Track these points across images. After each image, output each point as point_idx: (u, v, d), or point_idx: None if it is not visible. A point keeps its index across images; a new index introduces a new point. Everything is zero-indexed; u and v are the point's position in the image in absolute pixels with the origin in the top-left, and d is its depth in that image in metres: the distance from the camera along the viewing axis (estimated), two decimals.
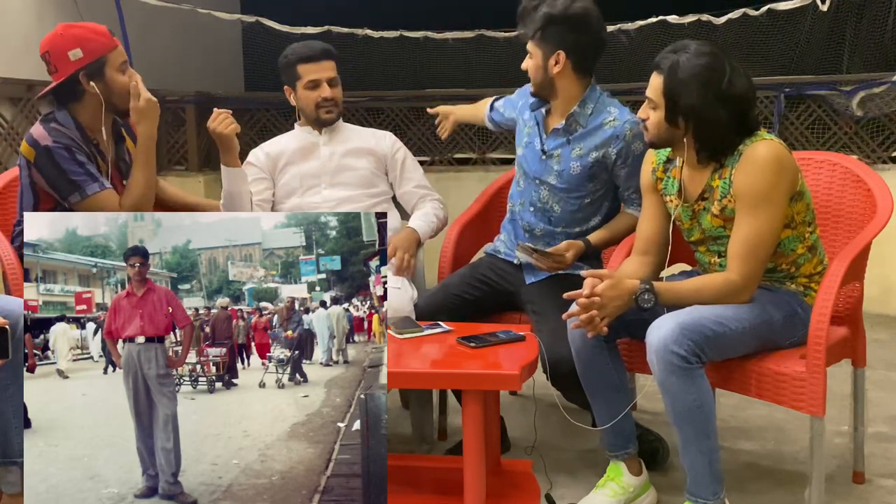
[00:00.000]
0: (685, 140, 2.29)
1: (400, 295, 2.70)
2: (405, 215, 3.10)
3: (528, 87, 2.82)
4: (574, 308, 2.25)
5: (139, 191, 2.63)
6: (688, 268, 2.64)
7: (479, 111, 3.17)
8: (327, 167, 2.99)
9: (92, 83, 2.58)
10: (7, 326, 2.12)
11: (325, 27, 6.15)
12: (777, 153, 2.22)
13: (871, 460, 2.74)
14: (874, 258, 2.51)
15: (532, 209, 2.80)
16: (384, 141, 3.10)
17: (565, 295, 2.26)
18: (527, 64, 2.70)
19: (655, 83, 2.28)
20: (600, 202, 2.76)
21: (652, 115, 2.31)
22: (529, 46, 2.67)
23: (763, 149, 2.23)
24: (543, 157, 2.75)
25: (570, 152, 2.71)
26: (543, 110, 2.77)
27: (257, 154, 3.09)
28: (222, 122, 2.80)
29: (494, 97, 3.13)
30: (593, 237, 2.71)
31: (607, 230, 2.73)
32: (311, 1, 7.48)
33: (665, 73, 2.25)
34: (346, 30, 6.33)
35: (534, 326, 2.57)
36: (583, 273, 2.27)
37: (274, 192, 3.03)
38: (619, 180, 2.73)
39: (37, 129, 2.60)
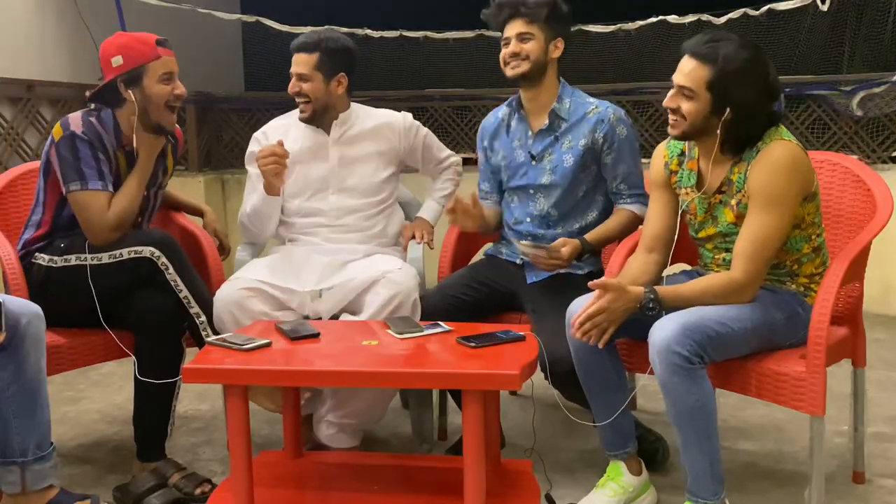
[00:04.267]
0: (719, 131, 2.27)
1: (404, 274, 2.69)
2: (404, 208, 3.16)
3: (490, 122, 2.92)
4: (579, 318, 2.25)
5: (126, 202, 2.62)
6: (688, 267, 2.63)
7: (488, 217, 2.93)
8: (335, 172, 2.92)
9: (129, 91, 2.61)
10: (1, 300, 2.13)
11: (325, 27, 6.14)
12: (794, 155, 2.24)
13: (871, 460, 2.74)
14: (874, 258, 2.51)
15: (529, 219, 2.82)
16: (401, 135, 2.99)
17: (590, 283, 2.24)
18: (518, 47, 2.69)
19: (697, 74, 2.23)
20: (594, 195, 2.79)
21: (687, 105, 2.26)
22: (532, 28, 2.68)
23: (780, 150, 2.23)
24: (533, 162, 2.79)
25: (560, 147, 2.75)
26: (523, 114, 2.81)
27: (263, 145, 2.95)
28: (265, 161, 2.74)
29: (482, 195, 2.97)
30: (590, 236, 2.71)
31: (603, 229, 2.74)
32: (311, 1, 7.48)
33: (715, 64, 2.21)
34: (346, 30, 6.30)
35: (533, 326, 2.57)
36: (590, 283, 2.25)
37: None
38: (605, 170, 2.75)
39: (74, 116, 2.64)
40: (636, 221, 2.74)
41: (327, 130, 2.94)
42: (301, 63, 2.86)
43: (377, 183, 2.96)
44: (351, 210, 2.92)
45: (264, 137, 3.00)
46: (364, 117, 3.00)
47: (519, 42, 2.69)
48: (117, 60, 2.61)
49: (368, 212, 2.94)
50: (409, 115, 3.05)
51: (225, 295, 2.65)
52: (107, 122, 2.65)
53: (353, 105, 3.00)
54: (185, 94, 2.70)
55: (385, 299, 2.62)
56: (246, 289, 2.65)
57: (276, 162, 2.74)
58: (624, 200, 2.76)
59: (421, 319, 2.59)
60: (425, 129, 3.08)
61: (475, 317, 2.69)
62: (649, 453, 2.63)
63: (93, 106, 2.69)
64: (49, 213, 2.68)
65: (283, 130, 2.98)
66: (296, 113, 2.98)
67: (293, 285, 2.72)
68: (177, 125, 2.83)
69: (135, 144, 2.66)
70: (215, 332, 2.58)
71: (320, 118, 2.91)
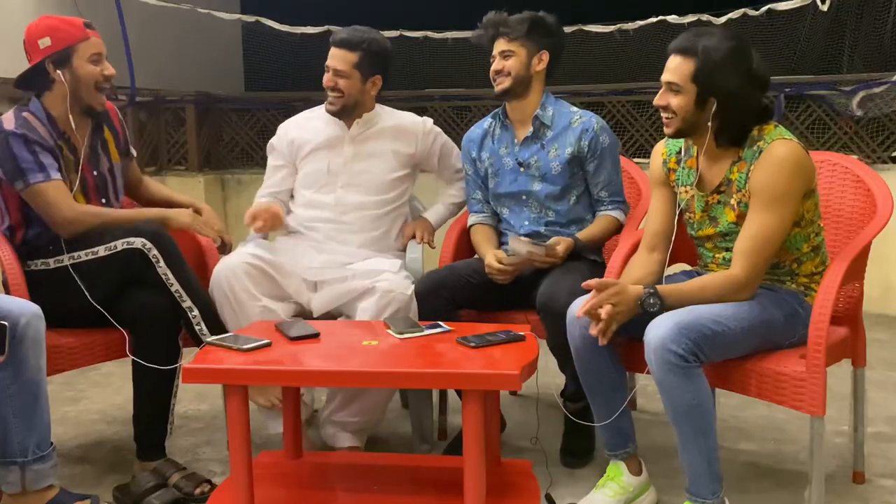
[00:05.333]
0: (709, 124, 2.28)
1: (395, 277, 2.70)
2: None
3: (476, 133, 2.98)
4: (582, 308, 2.24)
5: (98, 219, 2.61)
6: (688, 267, 2.64)
7: (488, 242, 2.93)
8: (347, 167, 2.94)
9: (59, 71, 2.61)
10: (5, 323, 2.13)
11: (325, 27, 6.16)
12: (797, 154, 2.24)
13: (871, 460, 2.74)
14: (874, 258, 2.51)
15: (528, 223, 2.87)
16: (419, 139, 3.01)
17: (583, 284, 2.26)
18: (501, 64, 2.81)
19: (682, 68, 2.25)
20: (587, 198, 2.88)
21: (676, 100, 2.27)
22: (512, 46, 2.80)
23: (784, 149, 2.24)
24: (522, 169, 2.86)
25: (546, 154, 2.84)
26: (508, 123, 2.89)
27: (282, 139, 3.02)
28: (260, 230, 2.81)
29: (472, 219, 3.01)
30: (581, 234, 2.81)
31: (590, 231, 2.83)
32: (311, 1, 7.49)
33: (698, 56, 2.23)
34: None
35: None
36: (584, 284, 2.25)
37: (296, 178, 3.02)
38: (588, 177, 2.85)
39: (7, 115, 2.64)
40: (618, 226, 2.86)
41: (348, 125, 2.96)
42: (339, 59, 2.87)
43: (388, 181, 2.97)
44: (356, 206, 2.93)
45: (284, 143, 3.02)
46: (386, 118, 3.02)
47: (501, 59, 2.81)
48: (45, 42, 2.61)
49: (374, 211, 2.95)
50: (430, 121, 3.08)
51: (228, 262, 2.67)
52: (38, 114, 2.63)
53: (378, 107, 3.02)
54: (115, 75, 2.70)
55: (379, 307, 2.63)
56: (248, 263, 2.67)
57: (267, 223, 2.80)
58: (605, 207, 2.87)
59: (423, 294, 2.64)
60: (445, 137, 3.10)
61: (481, 303, 2.74)
62: (582, 413, 2.61)
63: (17, 104, 2.67)
64: (15, 215, 2.66)
65: (304, 122, 3.03)
66: (320, 109, 3.00)
67: (291, 267, 2.74)
68: (112, 105, 2.83)
69: (73, 127, 2.64)
70: (209, 326, 2.57)
71: (348, 113, 2.93)
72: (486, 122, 2.98)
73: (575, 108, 2.89)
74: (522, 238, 2.72)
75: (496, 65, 2.82)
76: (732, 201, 2.32)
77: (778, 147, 2.24)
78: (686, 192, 2.43)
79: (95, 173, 2.73)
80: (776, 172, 2.22)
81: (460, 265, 2.85)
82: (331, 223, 2.92)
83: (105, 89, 2.69)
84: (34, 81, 2.67)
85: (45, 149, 2.59)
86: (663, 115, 2.33)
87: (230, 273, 2.65)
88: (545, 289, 2.59)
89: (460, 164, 3.11)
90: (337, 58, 2.87)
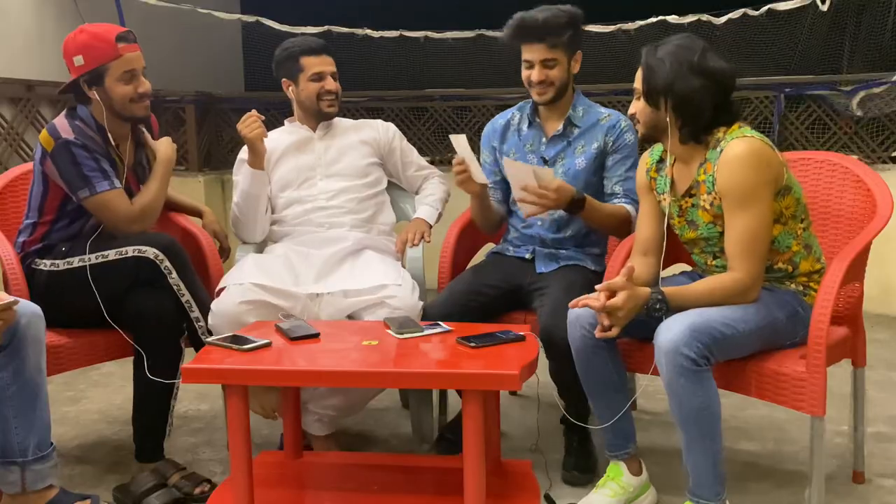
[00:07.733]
0: (668, 122, 2.30)
1: (403, 291, 2.69)
2: (396, 206, 3.19)
3: (499, 122, 2.94)
4: (585, 301, 2.24)
5: (150, 197, 2.68)
6: (688, 268, 2.64)
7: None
8: (322, 159, 3.01)
9: (93, 90, 2.61)
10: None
11: (325, 27, 6.16)
12: (755, 148, 2.23)
13: (871, 460, 2.74)
14: (874, 258, 2.51)
15: (540, 223, 2.86)
16: (381, 131, 3.12)
17: (571, 304, 2.27)
18: (544, 74, 2.70)
19: (638, 75, 2.33)
20: (602, 199, 2.81)
21: (638, 106, 2.34)
22: (555, 54, 2.69)
23: (740, 146, 2.23)
24: (546, 166, 2.81)
25: (573, 152, 2.82)
26: (538, 122, 2.86)
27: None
28: (249, 125, 2.85)
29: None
30: (590, 199, 2.66)
31: (598, 203, 2.71)
32: (311, 1, 7.49)
33: (643, 59, 2.30)
34: (346, 30, 6.33)
35: (537, 304, 2.64)
36: (597, 287, 2.24)
37: (270, 188, 3.01)
38: (606, 172, 2.82)
39: (60, 121, 2.63)
40: (626, 217, 2.75)
41: (313, 128, 3.06)
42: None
43: (364, 165, 3.04)
44: (341, 191, 2.98)
45: None
46: (346, 122, 3.14)
47: (544, 69, 2.70)
48: (78, 60, 2.60)
49: (358, 194, 2.99)
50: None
51: (224, 309, 2.60)
52: (88, 122, 2.64)
53: (337, 118, 3.10)
54: (150, 91, 2.69)
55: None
56: (245, 302, 2.60)
57: (260, 124, 2.86)
58: (619, 200, 2.79)
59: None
60: (402, 135, 3.18)
61: (485, 318, 2.68)
62: (581, 415, 2.60)
63: (67, 110, 2.69)
64: (48, 216, 2.67)
65: (269, 136, 3.01)
66: (280, 128, 3.10)
67: (292, 287, 2.71)
68: (154, 117, 2.85)
69: (111, 141, 2.66)
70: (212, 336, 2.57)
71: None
72: (510, 113, 2.95)
73: (602, 108, 2.87)
74: (519, 163, 2.62)
75: (538, 74, 2.70)
76: (704, 203, 2.33)
77: (735, 146, 2.24)
78: (664, 199, 2.44)
79: (142, 186, 2.75)
80: (737, 170, 2.22)
81: (460, 288, 2.77)
82: (320, 211, 2.94)
83: (144, 101, 2.67)
84: (76, 94, 2.67)
85: (103, 157, 2.61)
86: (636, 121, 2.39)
87: (231, 318, 2.58)
88: (547, 319, 2.53)
89: (424, 163, 3.18)
90: (331, 63, 3.01)
